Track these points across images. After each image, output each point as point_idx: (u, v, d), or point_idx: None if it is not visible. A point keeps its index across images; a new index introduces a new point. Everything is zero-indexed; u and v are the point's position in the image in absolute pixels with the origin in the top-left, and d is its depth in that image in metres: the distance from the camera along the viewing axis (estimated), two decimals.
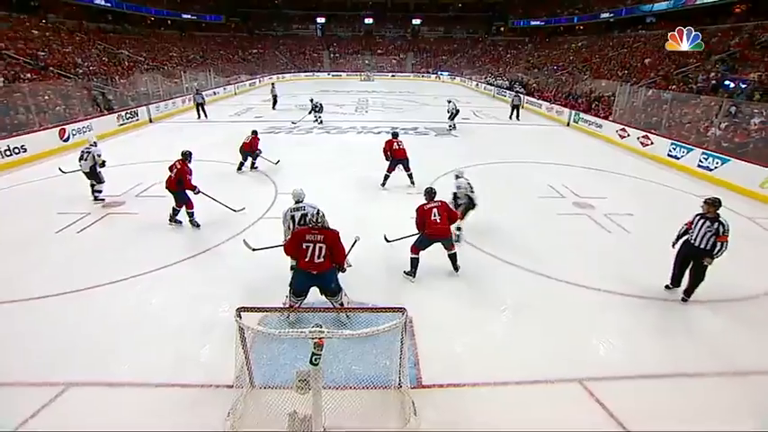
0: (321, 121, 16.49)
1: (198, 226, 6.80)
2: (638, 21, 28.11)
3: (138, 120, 15.80)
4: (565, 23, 36.28)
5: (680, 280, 5.00)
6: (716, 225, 4.46)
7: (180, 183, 6.51)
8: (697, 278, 4.74)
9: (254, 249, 5.24)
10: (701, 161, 10.44)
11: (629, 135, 13.61)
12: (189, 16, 37.81)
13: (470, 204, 6.41)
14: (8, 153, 10.20)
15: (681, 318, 4.66)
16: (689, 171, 10.68)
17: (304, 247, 4.03)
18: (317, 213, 4.20)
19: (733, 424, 3.40)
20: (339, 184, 9.07)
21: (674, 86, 16.07)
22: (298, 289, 4.21)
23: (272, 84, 23.18)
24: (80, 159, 7.61)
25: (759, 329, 4.57)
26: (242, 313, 3.06)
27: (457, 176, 6.55)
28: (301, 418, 3.00)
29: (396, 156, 8.51)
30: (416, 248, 5.28)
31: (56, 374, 3.70)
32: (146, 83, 18.82)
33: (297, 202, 4.96)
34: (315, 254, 4.00)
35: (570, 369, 3.87)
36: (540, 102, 21.31)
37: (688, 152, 10.95)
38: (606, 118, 15.53)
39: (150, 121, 16.56)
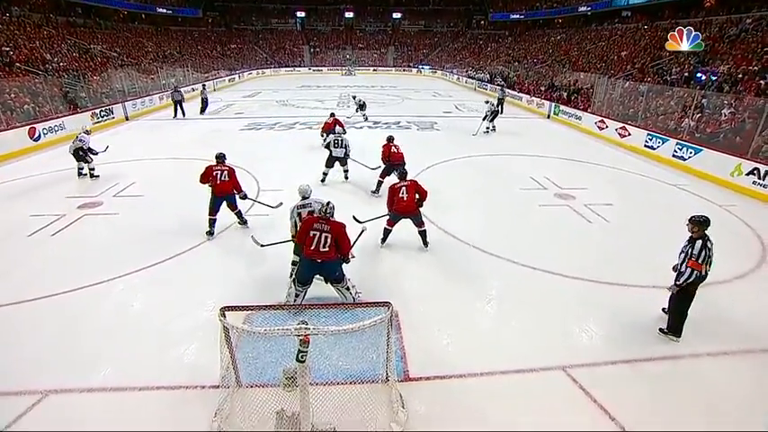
0: (366, 118, 16.10)
1: (245, 223, 6.69)
2: (614, 14, 28.62)
3: (113, 117, 15.35)
4: (543, 17, 36.67)
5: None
6: (687, 247, 4.00)
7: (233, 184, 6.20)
8: (674, 310, 4.21)
9: (261, 245, 5.28)
10: (675, 151, 10.75)
11: (607, 126, 13.91)
12: (164, 10, 36.63)
13: (343, 158, 8.59)
14: None
15: (658, 304, 4.78)
16: (665, 161, 10.99)
17: (311, 235, 4.19)
18: (327, 204, 4.34)
19: (715, 407, 3.52)
20: (326, 180, 9.02)
21: (649, 79, 16.47)
22: (303, 278, 4.34)
23: (203, 86, 20.17)
24: (72, 142, 8.81)
25: (731, 312, 4.74)
26: (226, 312, 3.02)
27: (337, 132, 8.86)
28: (289, 415, 2.99)
29: (394, 159, 7.84)
30: (391, 222, 5.89)
31: (33, 382, 3.58)
32: (120, 79, 18.25)
33: (303, 198, 4.94)
34: (320, 242, 4.17)
35: (554, 357, 3.96)
36: (520, 95, 21.56)
37: (663, 143, 11.26)
38: (585, 110, 15.83)
39: (126, 118, 16.09)
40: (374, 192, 8.19)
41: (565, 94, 18.62)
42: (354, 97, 16.44)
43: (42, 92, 13.65)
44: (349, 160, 8.84)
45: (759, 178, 8.48)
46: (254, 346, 3.90)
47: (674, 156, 10.77)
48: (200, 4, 41.60)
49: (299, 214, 4.84)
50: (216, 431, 3.12)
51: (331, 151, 8.56)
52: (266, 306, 4.25)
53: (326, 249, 4.18)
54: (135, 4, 33.68)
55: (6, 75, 15.10)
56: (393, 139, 8.21)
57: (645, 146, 11.91)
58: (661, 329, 4.31)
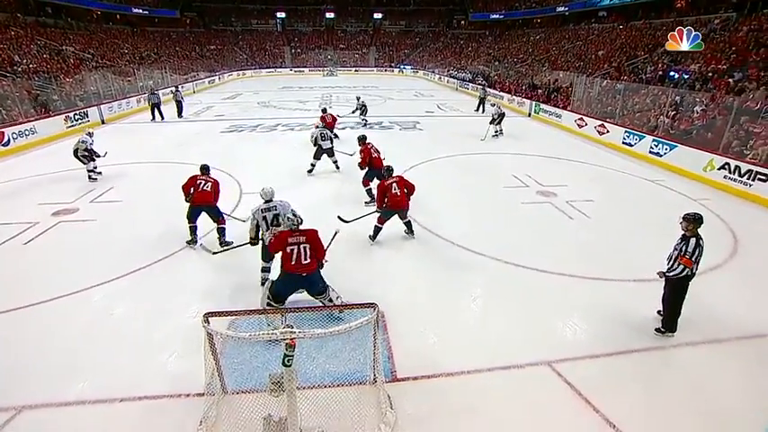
0: (365, 123, 15.14)
1: (229, 245, 5.91)
2: (591, 14, 29.29)
3: (88, 121, 14.89)
4: (522, 16, 37.26)
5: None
6: (681, 245, 4.02)
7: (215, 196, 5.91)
8: (669, 309, 4.26)
9: (213, 253, 5.14)
10: (652, 148, 11.06)
11: (586, 124, 14.20)
12: (140, 11, 35.73)
13: (328, 150, 9.14)
14: None
15: (639, 296, 4.91)
16: (642, 157, 11.29)
17: (288, 250, 4.02)
18: (294, 216, 4.14)
19: (697, 395, 3.62)
20: (309, 182, 8.96)
21: (625, 77, 16.87)
22: (280, 294, 4.13)
23: (176, 87, 18.85)
24: (75, 144, 8.80)
25: (709, 303, 4.86)
26: (210, 318, 2.96)
27: (316, 126, 9.61)
28: (276, 420, 2.95)
29: (376, 165, 7.37)
30: (382, 219, 6.05)
31: (6, 398, 3.44)
32: (95, 81, 17.71)
33: (266, 202, 4.84)
34: (301, 255, 4.02)
35: (539, 352, 4.01)
36: (501, 93, 21.83)
37: (640, 139, 11.57)
38: (565, 108, 16.13)
39: (102, 122, 15.65)
40: (368, 202, 7.60)
41: (545, 92, 18.93)
42: (359, 98, 15.71)
43: (11, 95, 13.14)
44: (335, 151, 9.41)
45: (729, 173, 8.79)
46: (240, 351, 3.84)
47: (650, 152, 11.08)
48: (177, 5, 40.69)
49: (265, 218, 4.73)
50: None
51: (320, 145, 9.06)
52: (251, 311, 4.18)
53: (308, 261, 4.04)
54: (109, 5, 32.77)
55: None
56: (366, 139, 7.90)
57: (623, 143, 12.21)
58: (657, 329, 4.34)
